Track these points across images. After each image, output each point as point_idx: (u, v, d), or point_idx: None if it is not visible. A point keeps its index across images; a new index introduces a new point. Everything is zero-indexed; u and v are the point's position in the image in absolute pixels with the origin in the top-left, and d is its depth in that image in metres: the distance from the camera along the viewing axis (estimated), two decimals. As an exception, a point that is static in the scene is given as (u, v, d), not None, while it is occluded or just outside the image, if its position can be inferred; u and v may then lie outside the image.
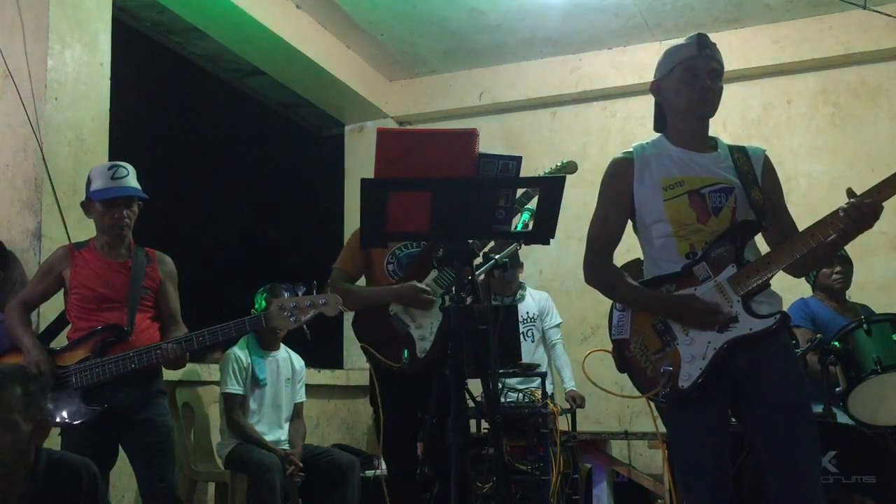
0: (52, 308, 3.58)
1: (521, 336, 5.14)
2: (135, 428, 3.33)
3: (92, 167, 3.56)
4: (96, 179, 3.39)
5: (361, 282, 3.68)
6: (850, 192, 2.40)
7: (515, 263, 5.10)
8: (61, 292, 3.48)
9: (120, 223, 3.37)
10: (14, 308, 3.42)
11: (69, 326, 3.44)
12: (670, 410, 2.53)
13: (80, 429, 3.23)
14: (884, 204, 2.39)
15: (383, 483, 3.55)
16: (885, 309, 4.33)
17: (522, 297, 5.23)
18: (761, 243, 2.62)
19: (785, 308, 4.23)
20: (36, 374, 2.69)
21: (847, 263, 4.37)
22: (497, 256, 3.27)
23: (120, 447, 3.41)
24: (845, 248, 4.06)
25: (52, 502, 2.45)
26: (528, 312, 5.21)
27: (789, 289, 2.83)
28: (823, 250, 2.45)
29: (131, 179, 3.39)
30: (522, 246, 3.65)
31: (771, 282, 2.51)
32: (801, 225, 2.62)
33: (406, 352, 3.35)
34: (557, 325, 5.33)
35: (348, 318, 6.83)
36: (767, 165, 2.64)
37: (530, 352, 5.12)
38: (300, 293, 3.27)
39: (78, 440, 3.23)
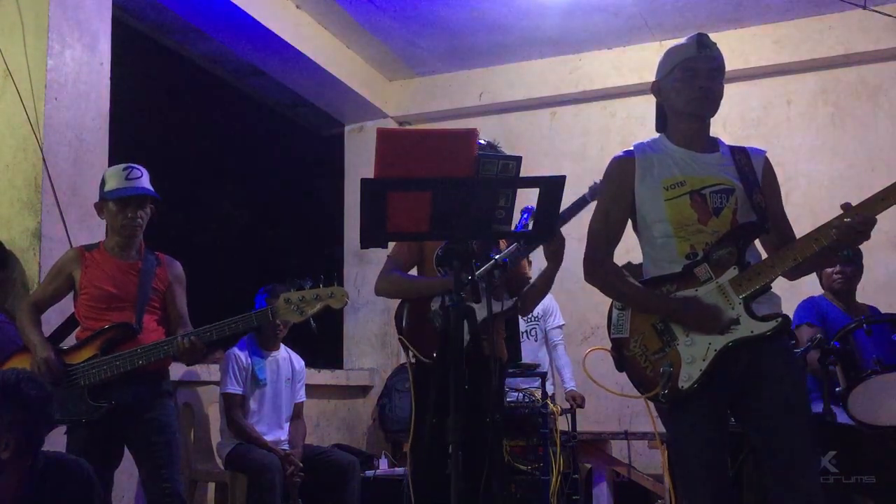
0: (54, 311, 3.57)
1: (524, 335, 5.14)
2: (141, 427, 3.33)
3: (106, 169, 3.59)
4: (110, 180, 3.42)
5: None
6: (845, 207, 2.41)
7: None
8: (70, 296, 3.49)
9: (133, 223, 3.39)
10: (25, 309, 3.45)
11: (78, 328, 3.46)
12: (669, 411, 2.53)
13: (87, 427, 3.25)
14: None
15: (409, 481, 3.44)
16: (886, 309, 4.32)
17: None
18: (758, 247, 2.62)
19: (793, 308, 4.27)
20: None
21: (850, 264, 4.35)
22: (497, 257, 3.25)
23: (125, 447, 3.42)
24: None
25: (48, 502, 2.45)
26: (532, 311, 5.21)
27: (792, 287, 2.83)
28: (817, 257, 2.47)
29: (145, 181, 3.42)
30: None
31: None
32: (801, 223, 2.62)
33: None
34: (560, 327, 5.34)
35: (349, 318, 6.88)
36: (768, 168, 2.65)
37: (533, 351, 5.12)
38: (307, 287, 3.26)
39: (84, 438, 3.25)
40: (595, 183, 3.23)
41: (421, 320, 3.34)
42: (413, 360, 3.34)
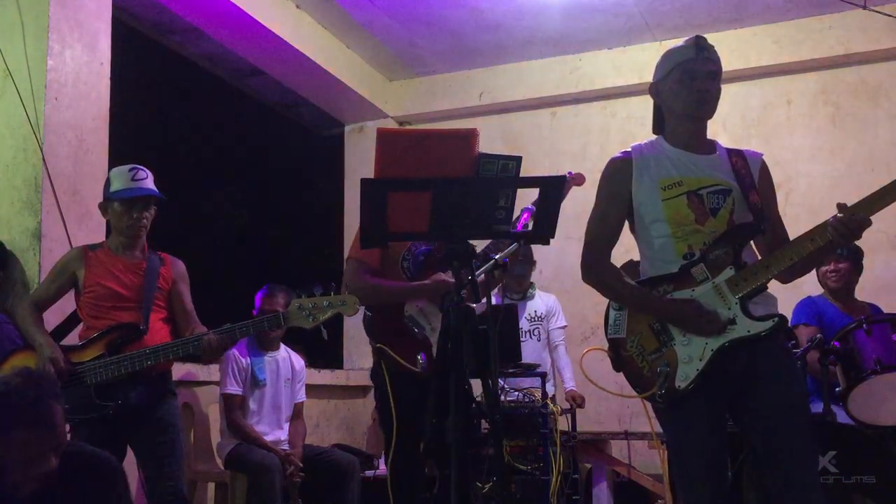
0: (53, 311, 3.57)
1: (528, 335, 5.16)
2: (145, 426, 3.35)
3: (111, 170, 3.59)
4: (116, 180, 3.43)
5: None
6: (840, 207, 2.42)
7: (528, 260, 5.12)
8: (70, 296, 3.49)
9: (138, 223, 3.41)
10: (26, 308, 3.45)
11: (79, 326, 3.46)
12: (667, 411, 2.54)
13: (91, 425, 3.25)
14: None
15: (389, 485, 3.40)
16: (886, 309, 4.33)
17: (532, 296, 5.27)
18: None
19: (793, 307, 4.27)
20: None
21: (844, 261, 4.35)
22: (497, 256, 3.24)
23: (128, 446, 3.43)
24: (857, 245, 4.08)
25: (70, 494, 2.43)
26: (535, 311, 5.23)
27: (792, 287, 2.83)
28: (811, 257, 2.49)
29: (149, 182, 3.44)
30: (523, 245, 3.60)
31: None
32: (801, 223, 2.62)
33: (423, 355, 3.13)
34: (562, 328, 5.35)
35: (349, 318, 6.85)
36: (764, 171, 2.66)
37: (536, 351, 5.13)
38: (317, 293, 3.26)
39: (88, 437, 3.24)
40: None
41: (397, 328, 3.21)
42: (390, 369, 3.19)
